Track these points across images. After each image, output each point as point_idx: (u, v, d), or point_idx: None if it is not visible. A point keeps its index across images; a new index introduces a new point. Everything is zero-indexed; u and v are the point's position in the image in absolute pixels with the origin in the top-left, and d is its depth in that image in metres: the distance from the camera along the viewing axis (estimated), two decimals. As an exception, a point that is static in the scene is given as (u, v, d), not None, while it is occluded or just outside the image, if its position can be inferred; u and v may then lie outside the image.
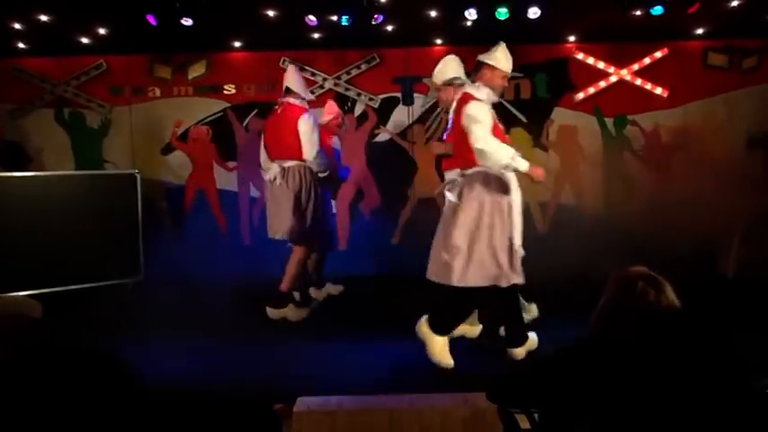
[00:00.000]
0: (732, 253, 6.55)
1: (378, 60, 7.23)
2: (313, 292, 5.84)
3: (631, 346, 1.64)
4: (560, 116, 7.23)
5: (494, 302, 4.19)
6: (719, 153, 6.99)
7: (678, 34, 6.90)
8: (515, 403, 2.13)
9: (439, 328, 4.09)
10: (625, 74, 7.16)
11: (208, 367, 4.14)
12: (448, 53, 7.08)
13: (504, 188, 4.08)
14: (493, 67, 4.24)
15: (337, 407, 3.33)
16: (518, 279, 4.07)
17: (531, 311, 4.66)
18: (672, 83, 7.11)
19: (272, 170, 5.32)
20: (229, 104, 7.30)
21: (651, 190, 6.88)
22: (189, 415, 3.50)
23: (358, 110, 7.27)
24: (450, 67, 4.52)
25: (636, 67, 7.15)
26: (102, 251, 6.21)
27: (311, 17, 6.03)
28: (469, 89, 4.20)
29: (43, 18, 5.78)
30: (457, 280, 4.01)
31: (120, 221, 6.39)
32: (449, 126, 4.36)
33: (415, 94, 7.29)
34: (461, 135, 4.05)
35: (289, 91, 5.34)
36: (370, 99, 7.26)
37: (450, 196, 4.15)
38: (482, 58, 4.24)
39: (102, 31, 6.31)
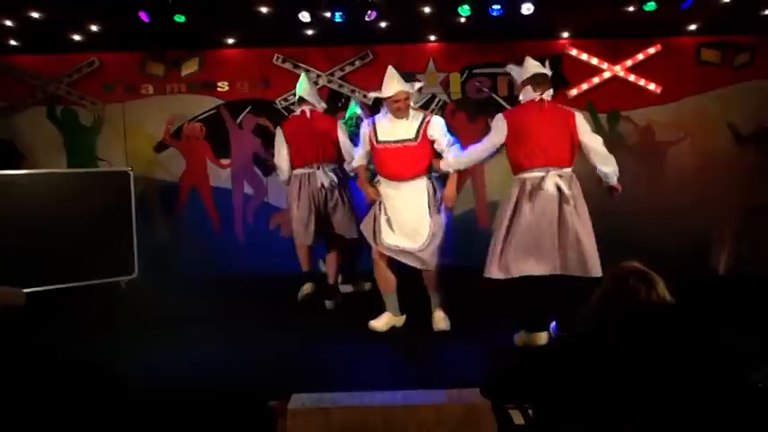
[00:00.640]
0: (724, 249, 6.59)
1: (371, 57, 7.22)
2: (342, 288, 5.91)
3: (623, 342, 1.65)
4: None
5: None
6: (712, 149, 7.01)
7: (671, 30, 6.91)
8: (509, 398, 2.14)
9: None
10: (618, 70, 7.17)
11: (202, 364, 4.14)
12: (442, 49, 7.18)
13: None
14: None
15: (332, 403, 3.33)
16: None
17: None
18: (665, 79, 7.12)
19: (319, 176, 5.30)
20: (223, 101, 7.28)
21: (644, 186, 6.89)
22: (183, 412, 3.50)
23: (352, 106, 7.25)
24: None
25: (629, 63, 7.16)
26: (96, 249, 6.21)
27: (304, 13, 6.02)
28: None
29: (35, 15, 5.74)
30: (597, 270, 4.13)
31: (113, 219, 6.38)
32: None
33: (409, 91, 7.27)
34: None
35: (302, 99, 5.46)
36: (364, 96, 7.24)
37: (566, 189, 4.24)
38: None
39: (94, 28, 6.27)
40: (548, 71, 4.48)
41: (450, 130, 5.17)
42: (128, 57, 7.17)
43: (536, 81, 4.41)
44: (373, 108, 7.21)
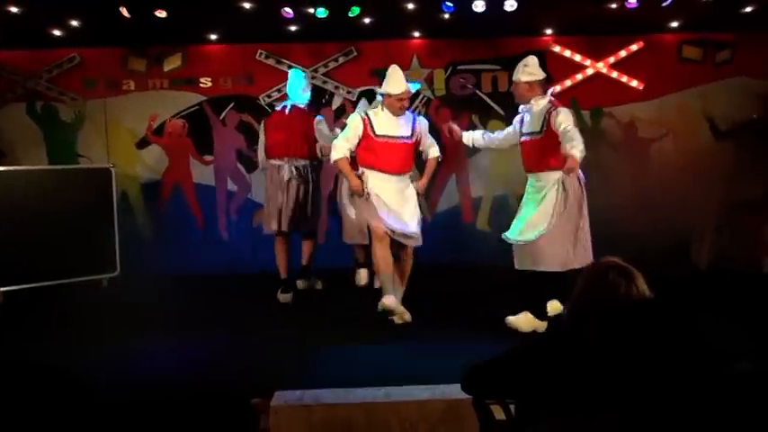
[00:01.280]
0: (705, 244, 6.65)
1: (355, 53, 7.21)
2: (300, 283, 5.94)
3: (602, 336, 1.66)
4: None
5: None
6: (693, 145, 7.06)
7: (653, 27, 6.96)
8: (489, 393, 2.14)
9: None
10: (601, 66, 7.20)
11: (185, 362, 4.12)
12: (426, 46, 7.18)
13: None
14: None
15: (314, 400, 3.33)
16: None
17: None
18: (647, 75, 7.17)
19: (286, 169, 5.58)
20: (205, 98, 7.23)
21: (626, 182, 6.94)
22: (166, 410, 3.48)
23: (336, 103, 7.24)
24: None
25: (612, 59, 7.19)
26: (77, 247, 6.16)
27: (287, 9, 5.99)
28: None
29: (14, 10, 5.67)
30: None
31: (95, 216, 6.32)
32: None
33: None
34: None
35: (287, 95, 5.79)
36: (348, 92, 7.23)
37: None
38: None
39: (74, 23, 6.20)
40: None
41: (435, 126, 5.34)
42: (109, 52, 7.10)
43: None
44: (355, 103, 7.22)
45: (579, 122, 7.20)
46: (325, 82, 7.24)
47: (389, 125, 4.86)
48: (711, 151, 6.96)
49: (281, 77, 7.18)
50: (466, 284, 6.01)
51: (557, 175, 4.51)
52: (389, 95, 4.82)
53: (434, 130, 5.47)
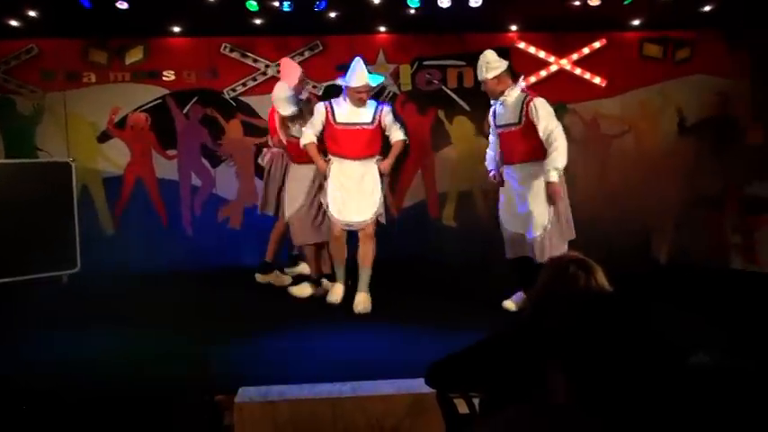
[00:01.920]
0: (665, 239, 6.79)
1: (321, 47, 7.17)
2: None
3: (562, 328, 1.68)
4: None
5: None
6: (654, 141, 7.20)
7: (615, 25, 7.06)
8: (452, 387, 2.15)
9: None
10: (565, 63, 7.29)
11: (147, 359, 4.06)
12: (392, 41, 7.18)
13: None
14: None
15: (279, 396, 3.31)
16: None
17: None
18: (610, 72, 7.27)
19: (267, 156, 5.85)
20: (168, 91, 7.12)
21: (589, 177, 7.03)
22: (129, 408, 3.43)
23: (302, 97, 7.17)
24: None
25: (575, 56, 7.28)
26: (36, 242, 6.03)
27: (252, 2, 5.93)
28: None
29: (-32, -1, 5.52)
30: None
31: (54, 212, 6.20)
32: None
33: (359, 82, 7.25)
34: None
35: None
36: (314, 86, 7.19)
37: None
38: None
39: (32, 13, 6.05)
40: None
41: (401, 121, 5.59)
42: (69, 44, 6.94)
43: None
44: (321, 97, 7.19)
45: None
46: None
47: (350, 113, 5.11)
48: (672, 148, 7.10)
49: (245, 71, 7.12)
50: (431, 279, 6.03)
51: (540, 164, 4.67)
52: (349, 88, 5.07)
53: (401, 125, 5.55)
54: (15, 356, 4.16)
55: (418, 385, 3.11)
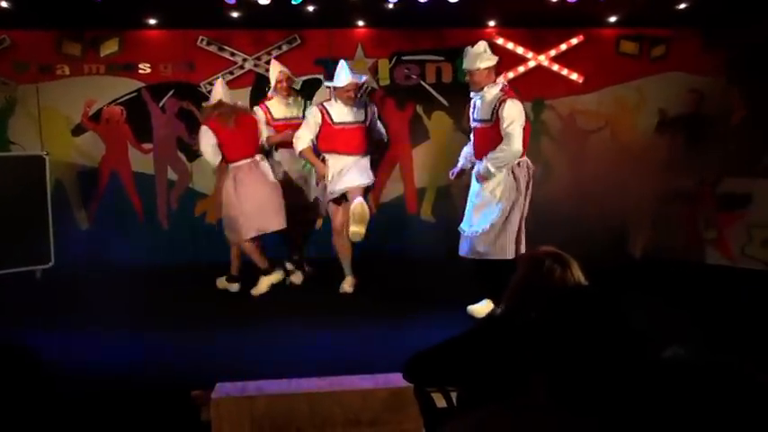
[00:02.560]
0: (640, 234, 6.86)
1: (299, 41, 7.13)
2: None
3: (538, 322, 1.69)
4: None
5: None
6: (630, 138, 7.27)
7: (592, 22, 7.11)
8: (430, 381, 2.16)
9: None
10: (543, 59, 7.32)
11: (122, 356, 4.02)
12: (370, 35, 7.16)
13: None
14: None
15: (256, 391, 3.30)
16: None
17: None
18: (587, 69, 7.32)
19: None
20: (144, 84, 7.04)
21: (566, 173, 7.09)
22: (103, 404, 3.40)
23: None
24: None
25: (553, 52, 7.32)
26: (9, 237, 5.92)
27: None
28: None
29: (-63, -12, 5.40)
30: None
31: (27, 206, 6.10)
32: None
33: (338, 77, 7.22)
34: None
35: None
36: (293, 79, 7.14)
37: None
38: None
39: (4, 3, 5.93)
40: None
41: (380, 116, 5.81)
42: (42, 35, 6.82)
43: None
44: (300, 92, 7.15)
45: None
46: (268, 70, 7.11)
47: (344, 113, 5.38)
48: (647, 143, 7.17)
49: (222, 65, 7.06)
50: (409, 273, 6.05)
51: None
52: (336, 88, 5.37)
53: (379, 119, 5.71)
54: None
55: (396, 380, 3.12)
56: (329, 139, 5.39)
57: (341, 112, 5.37)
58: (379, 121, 5.64)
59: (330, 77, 7.13)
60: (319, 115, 5.38)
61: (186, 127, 7.00)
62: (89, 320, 4.72)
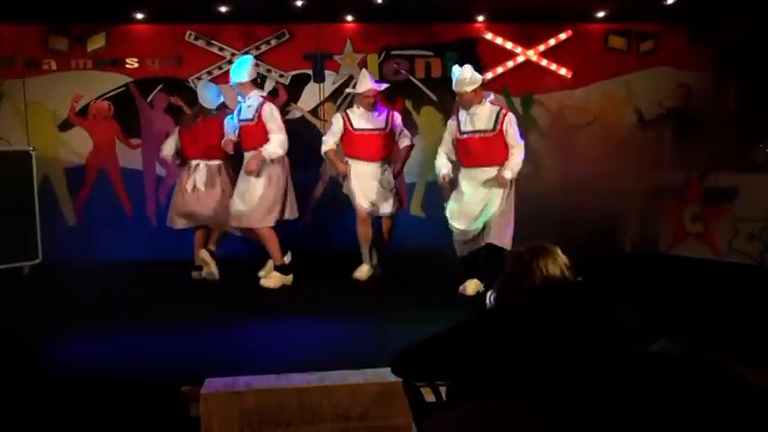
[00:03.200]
0: (629, 228, 6.90)
1: (288, 36, 7.10)
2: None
3: (522, 316, 1.70)
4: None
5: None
6: (619, 132, 7.29)
7: (581, 17, 7.13)
8: (418, 376, 2.17)
9: None
10: (531, 54, 7.33)
11: (111, 353, 4.00)
12: (359, 30, 7.15)
13: None
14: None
15: (246, 387, 3.30)
16: None
17: None
18: (575, 64, 7.34)
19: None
20: (132, 79, 6.99)
21: (555, 168, 7.11)
22: (93, 401, 3.38)
23: (268, 86, 7.11)
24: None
25: (542, 47, 7.33)
26: (-4, 233, 5.88)
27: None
28: None
29: None
30: None
31: (14, 202, 6.06)
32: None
33: (326, 72, 7.22)
34: None
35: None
36: (281, 75, 7.14)
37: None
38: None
39: (-12, -2, 5.89)
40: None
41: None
42: (28, 30, 6.76)
43: None
44: (288, 87, 7.15)
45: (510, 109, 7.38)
46: (257, 65, 7.09)
47: (365, 119, 5.69)
48: (636, 138, 7.21)
49: (211, 60, 7.03)
50: (399, 269, 6.05)
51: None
52: (357, 95, 5.71)
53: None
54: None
55: (385, 374, 3.12)
56: (350, 144, 5.74)
57: (361, 119, 5.70)
58: (404, 129, 5.91)
59: (319, 73, 7.20)
60: (341, 121, 5.74)
61: (175, 122, 6.96)
62: (77, 317, 4.69)
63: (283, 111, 7.16)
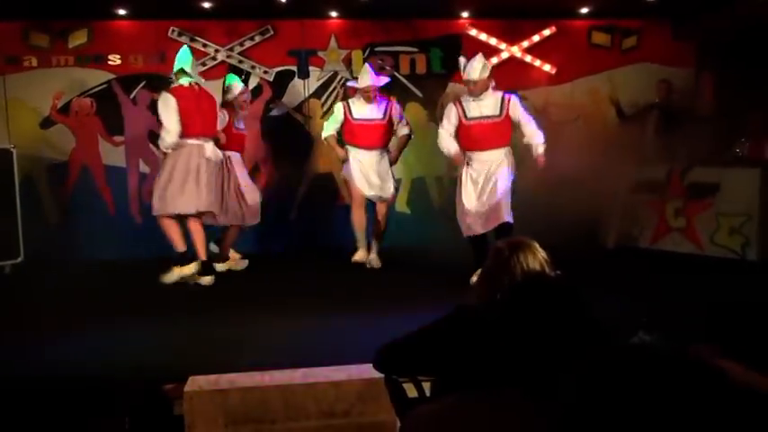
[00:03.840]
0: (612, 224, 6.93)
1: (272, 32, 7.07)
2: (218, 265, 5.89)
3: (503, 311, 1.71)
4: (455, 91, 7.33)
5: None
6: (602, 128, 7.33)
7: (565, 13, 7.16)
8: (400, 371, 2.17)
9: None
10: (516, 50, 7.35)
11: (94, 350, 3.97)
12: (344, 26, 7.13)
13: None
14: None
15: (230, 384, 3.29)
16: None
17: None
18: (559, 60, 7.37)
19: (208, 148, 5.47)
20: (115, 76, 6.94)
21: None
22: (75, 400, 3.36)
23: (252, 83, 7.08)
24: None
25: (526, 44, 7.35)
26: (-24, 232, 5.82)
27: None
28: None
29: None
30: None
31: (-6, 200, 6.00)
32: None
33: (311, 68, 7.20)
34: None
35: (185, 72, 5.52)
36: (265, 72, 7.11)
37: None
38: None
39: (-32, -6, 5.82)
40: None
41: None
42: (8, 26, 6.69)
43: None
44: (272, 83, 7.13)
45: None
46: (241, 61, 7.07)
47: (364, 110, 5.94)
48: (619, 134, 7.24)
49: (195, 56, 6.94)
50: (385, 265, 6.06)
51: (505, 149, 5.50)
52: (357, 89, 5.97)
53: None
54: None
55: (368, 370, 3.12)
56: (350, 132, 5.99)
57: (361, 109, 5.94)
58: (402, 119, 6.13)
59: (303, 69, 7.18)
60: (342, 111, 6.00)
61: (158, 119, 6.91)
62: (59, 315, 4.65)
63: (267, 107, 7.17)
